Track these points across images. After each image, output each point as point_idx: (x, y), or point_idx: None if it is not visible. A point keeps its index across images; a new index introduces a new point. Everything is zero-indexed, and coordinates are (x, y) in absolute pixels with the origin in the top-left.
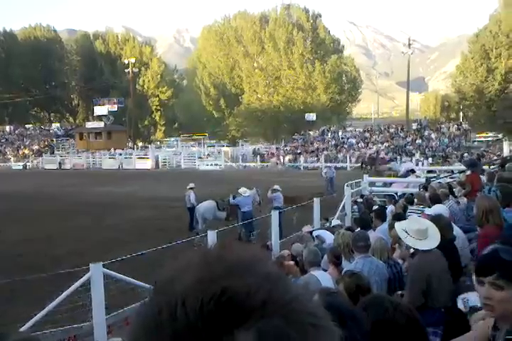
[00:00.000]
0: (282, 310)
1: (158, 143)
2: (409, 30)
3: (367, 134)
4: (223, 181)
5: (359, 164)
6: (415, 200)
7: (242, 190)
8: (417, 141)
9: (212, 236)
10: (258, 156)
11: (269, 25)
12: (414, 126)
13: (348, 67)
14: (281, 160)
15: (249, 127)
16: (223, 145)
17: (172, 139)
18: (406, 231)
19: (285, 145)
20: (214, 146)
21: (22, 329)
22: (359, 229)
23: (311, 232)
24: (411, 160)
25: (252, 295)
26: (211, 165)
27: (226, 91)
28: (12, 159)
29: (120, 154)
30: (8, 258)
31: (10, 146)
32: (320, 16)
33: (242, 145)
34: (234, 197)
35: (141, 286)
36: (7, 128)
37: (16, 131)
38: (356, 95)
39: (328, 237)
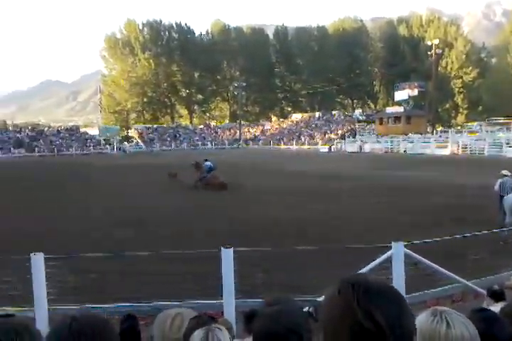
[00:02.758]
0: None
1: (459, 127)
2: None
3: None
4: None
5: None
6: None
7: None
8: None
9: None
10: None
11: None
12: None
13: None
14: None
15: None
16: None
17: (475, 124)
18: None
19: None
20: None
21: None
22: None
23: None
24: None
25: None
26: None
27: None
28: (319, 142)
29: (416, 139)
30: (301, 228)
31: (318, 131)
32: None
33: None
34: None
35: (441, 272)
36: (316, 114)
37: (324, 117)
38: None
39: None
